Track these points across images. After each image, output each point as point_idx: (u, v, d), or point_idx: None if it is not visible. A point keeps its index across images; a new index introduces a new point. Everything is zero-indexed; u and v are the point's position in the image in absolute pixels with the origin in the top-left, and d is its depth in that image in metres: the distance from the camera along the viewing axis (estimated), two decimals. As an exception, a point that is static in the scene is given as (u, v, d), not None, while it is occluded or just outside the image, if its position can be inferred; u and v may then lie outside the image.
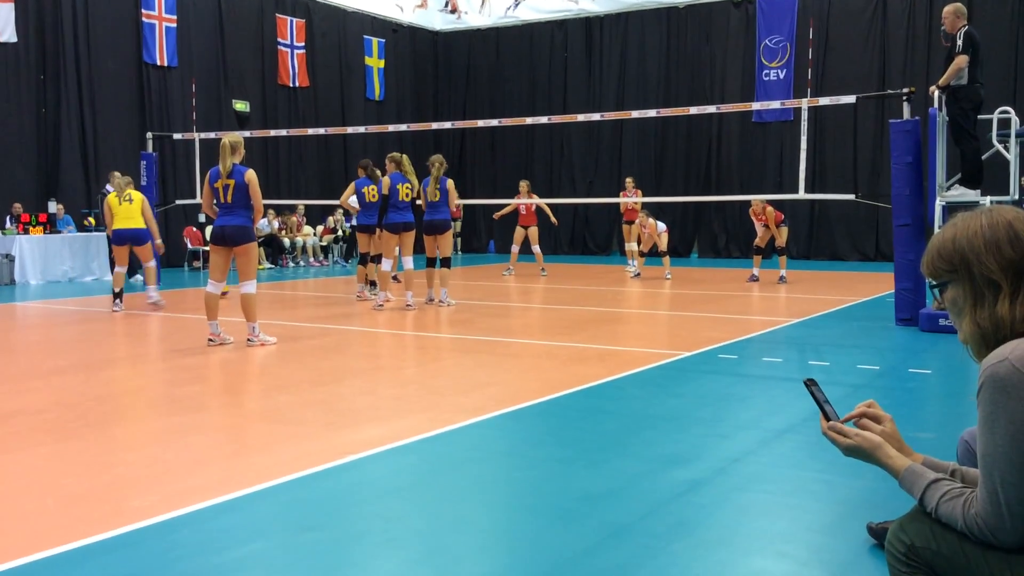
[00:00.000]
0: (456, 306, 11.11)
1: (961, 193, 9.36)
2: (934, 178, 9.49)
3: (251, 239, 8.14)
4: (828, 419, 2.14)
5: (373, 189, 11.76)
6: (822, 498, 3.87)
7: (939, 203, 9.33)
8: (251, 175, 8.10)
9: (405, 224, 11.00)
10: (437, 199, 11.13)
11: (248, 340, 8.05)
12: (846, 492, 3.89)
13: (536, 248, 16.23)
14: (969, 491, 1.89)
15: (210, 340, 8.09)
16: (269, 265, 18.83)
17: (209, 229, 18.73)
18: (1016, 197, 10.33)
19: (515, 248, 16.37)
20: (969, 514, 1.85)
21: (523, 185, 16.28)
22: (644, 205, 15.53)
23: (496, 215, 17.63)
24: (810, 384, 2.21)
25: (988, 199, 9.21)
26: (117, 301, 10.98)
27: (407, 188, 10.97)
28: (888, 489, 2.73)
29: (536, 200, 16.24)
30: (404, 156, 11.28)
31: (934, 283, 2.01)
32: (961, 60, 9.00)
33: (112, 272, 11.78)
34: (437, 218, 11.18)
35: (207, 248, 18.70)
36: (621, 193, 16.48)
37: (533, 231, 16.21)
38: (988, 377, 1.81)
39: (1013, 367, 1.78)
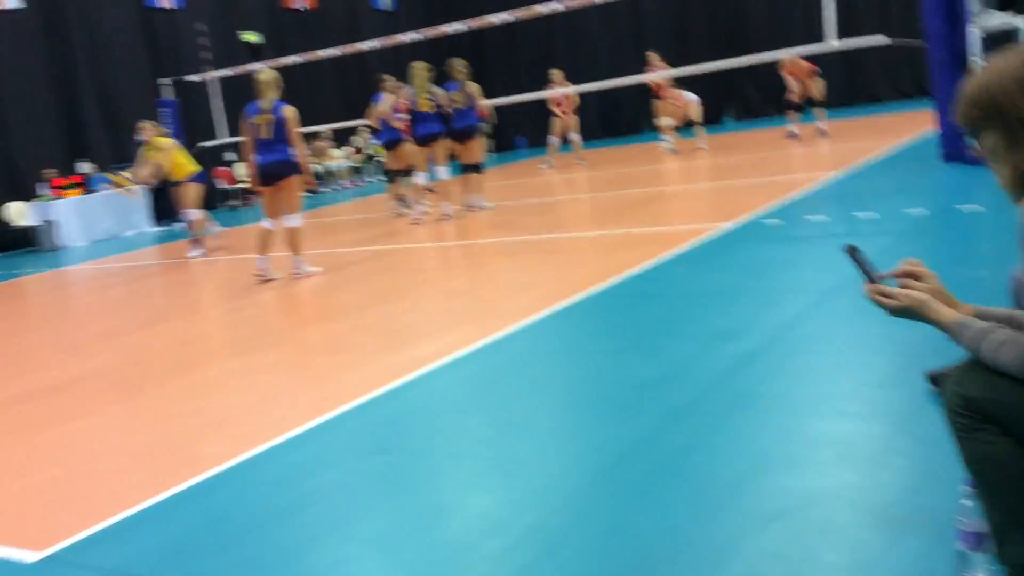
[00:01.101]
0: (493, 209, 11.06)
1: (997, 20, 8.94)
2: (967, 6, 9.06)
3: (293, 172, 8.10)
4: (872, 282, 2.10)
5: (376, 106, 11.66)
6: (878, 352, 3.85)
7: (975, 33, 8.93)
8: (290, 110, 8.07)
9: (430, 135, 10.89)
10: (465, 106, 10.99)
11: (294, 273, 8.13)
12: (901, 343, 3.85)
13: (575, 135, 15.87)
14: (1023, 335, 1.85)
15: (258, 276, 8.16)
16: (308, 192, 18.88)
17: (239, 167, 18.78)
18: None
19: (556, 140, 15.95)
20: (1027, 356, 1.82)
21: (557, 73, 15.80)
22: (672, 77, 15.10)
23: (558, 107, 16.03)
24: (852, 251, 2.16)
25: (1027, 19, 8.79)
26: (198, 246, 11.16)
27: (425, 98, 10.82)
28: (944, 335, 2.72)
29: (571, 88, 15.64)
30: (416, 65, 11.06)
31: (968, 131, 1.93)
32: None
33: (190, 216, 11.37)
34: (463, 125, 11.06)
35: (241, 186, 18.82)
36: (646, 69, 15.94)
37: (572, 119, 15.85)
38: (1028, 216, 1.76)
39: (1053, 204, 1.72)
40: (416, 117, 10.92)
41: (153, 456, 3.93)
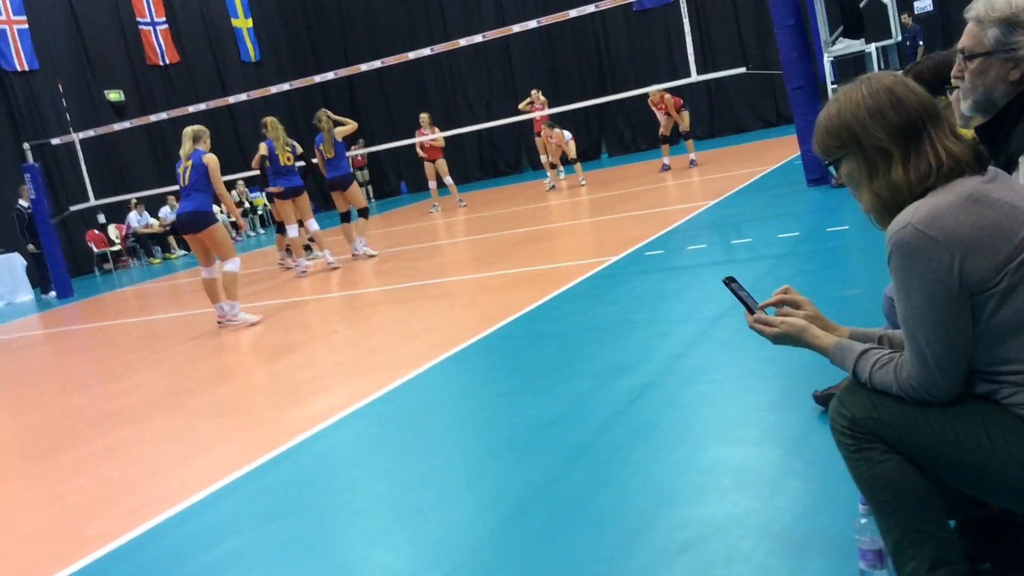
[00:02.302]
0: (378, 256, 10.99)
1: (846, 46, 9.47)
2: (818, 36, 9.57)
3: (209, 223, 8.00)
4: (752, 312, 2.17)
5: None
6: (766, 376, 3.96)
7: (827, 59, 9.44)
8: (210, 157, 8.02)
9: (292, 188, 10.85)
10: (333, 155, 10.97)
11: (228, 320, 8.02)
12: (787, 366, 3.98)
13: (448, 180, 16.03)
14: (898, 355, 1.94)
15: (219, 322, 8.10)
16: (183, 252, 18.38)
17: (112, 229, 18.18)
18: (899, 38, 10.50)
19: (432, 184, 16.12)
20: (902, 377, 1.90)
21: (423, 118, 15.91)
22: (547, 116, 15.41)
23: (423, 151, 16.09)
24: (729, 282, 2.22)
25: (873, 46, 9.35)
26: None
27: (285, 151, 10.79)
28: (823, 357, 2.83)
29: (438, 134, 15.81)
30: (269, 119, 11.03)
31: (828, 161, 2.02)
32: None
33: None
34: (338, 174, 11.04)
35: (115, 248, 18.19)
36: (529, 107, 16.18)
37: (441, 164, 15.95)
38: (895, 244, 1.84)
39: (916, 230, 1.81)
40: (278, 171, 10.83)
41: (36, 540, 3.71)
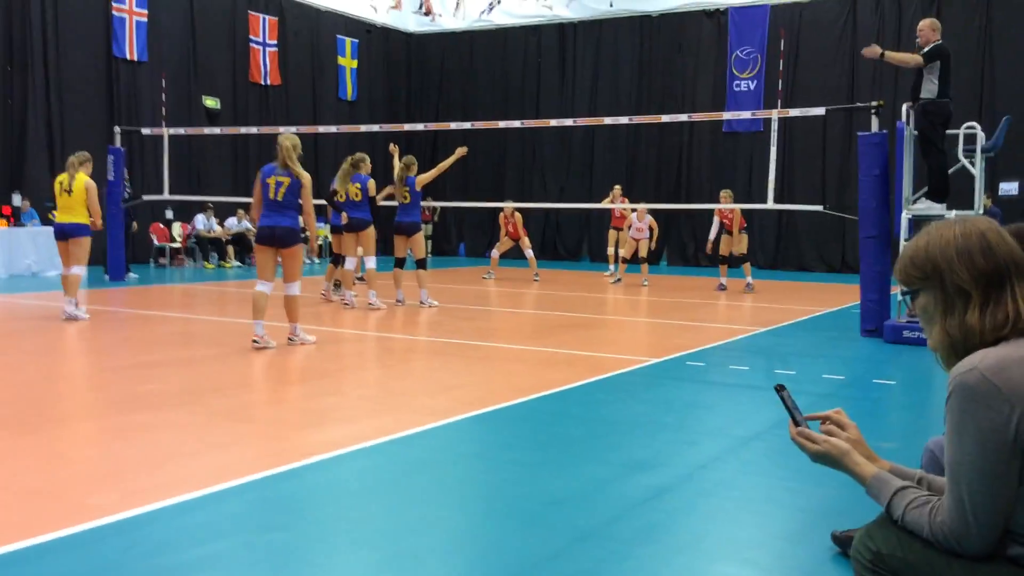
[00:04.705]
0: (438, 308, 11.05)
1: (927, 207, 9.46)
2: (901, 191, 9.59)
3: (298, 241, 8.03)
4: (797, 425, 2.14)
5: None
6: (787, 505, 3.89)
7: (905, 216, 9.43)
8: (306, 177, 8.00)
9: (355, 222, 10.99)
10: (408, 201, 11.13)
11: (289, 339, 8.03)
12: (811, 500, 3.91)
13: (530, 252, 16.34)
14: (935, 499, 1.90)
15: (255, 342, 7.79)
16: (237, 264, 18.66)
17: (176, 227, 18.55)
18: (980, 212, 10.47)
19: (496, 254, 16.54)
20: (935, 522, 1.86)
21: (508, 206, 16.46)
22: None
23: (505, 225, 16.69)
24: (780, 389, 2.21)
25: (953, 213, 9.33)
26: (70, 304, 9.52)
27: (356, 187, 10.97)
28: (852, 497, 2.74)
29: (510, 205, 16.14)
30: (354, 156, 11.21)
31: (906, 290, 2.02)
32: (916, 60, 9.10)
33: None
34: (405, 220, 11.19)
35: (175, 245, 18.53)
36: (608, 200, 16.68)
37: (524, 240, 16.48)
38: (957, 385, 1.82)
39: (983, 376, 1.79)
40: (346, 205, 11.05)
41: (36, 497, 3.73)
